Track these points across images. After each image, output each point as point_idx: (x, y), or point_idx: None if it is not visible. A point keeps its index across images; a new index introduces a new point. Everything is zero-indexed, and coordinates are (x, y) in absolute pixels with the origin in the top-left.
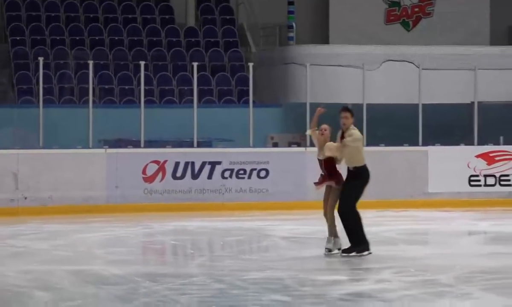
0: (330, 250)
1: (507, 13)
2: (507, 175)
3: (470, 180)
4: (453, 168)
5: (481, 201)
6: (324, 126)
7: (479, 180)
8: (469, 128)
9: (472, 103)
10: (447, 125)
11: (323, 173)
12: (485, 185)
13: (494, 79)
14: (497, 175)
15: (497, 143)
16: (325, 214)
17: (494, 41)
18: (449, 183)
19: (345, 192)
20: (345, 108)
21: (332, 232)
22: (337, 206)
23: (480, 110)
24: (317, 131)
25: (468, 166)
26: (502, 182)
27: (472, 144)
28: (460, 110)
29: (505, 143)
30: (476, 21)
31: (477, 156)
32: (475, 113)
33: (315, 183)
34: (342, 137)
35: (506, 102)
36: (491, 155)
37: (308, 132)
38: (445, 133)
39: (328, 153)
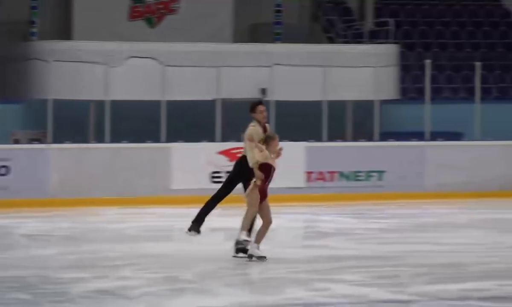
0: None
1: (250, 11)
2: None
3: (212, 177)
4: (196, 165)
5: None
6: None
7: (221, 177)
8: (212, 125)
9: (215, 100)
10: (190, 122)
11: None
12: None
13: (237, 77)
14: None
15: (239, 140)
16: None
17: (237, 39)
18: (192, 180)
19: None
20: (260, 101)
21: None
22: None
23: (223, 107)
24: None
25: (210, 163)
26: None
27: (214, 140)
28: (203, 107)
29: None
30: (220, 19)
31: (219, 153)
32: (217, 110)
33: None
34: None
35: (248, 99)
36: (233, 151)
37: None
38: (189, 130)
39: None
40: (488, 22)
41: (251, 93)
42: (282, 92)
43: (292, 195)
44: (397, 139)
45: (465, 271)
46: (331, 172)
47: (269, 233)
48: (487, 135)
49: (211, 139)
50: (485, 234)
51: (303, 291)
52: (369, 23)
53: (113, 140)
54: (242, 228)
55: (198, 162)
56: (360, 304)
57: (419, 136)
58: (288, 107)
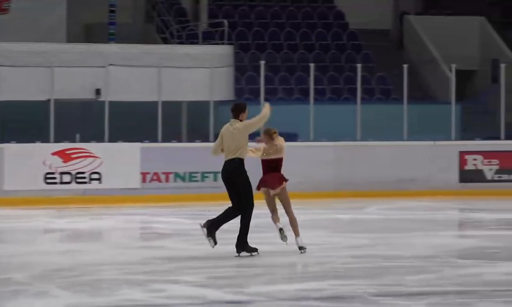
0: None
1: (84, 11)
2: (83, 173)
3: (46, 178)
4: (29, 166)
5: (58, 198)
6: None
7: (55, 178)
8: (46, 125)
9: (49, 100)
10: (23, 122)
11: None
12: (61, 182)
13: (71, 77)
14: (73, 172)
15: (74, 140)
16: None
17: (71, 39)
18: (25, 181)
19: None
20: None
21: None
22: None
23: (56, 107)
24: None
25: (44, 164)
26: (78, 180)
27: (48, 141)
28: (36, 107)
29: (81, 141)
30: (53, 18)
31: (53, 154)
32: (51, 110)
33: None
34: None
35: (82, 99)
36: (67, 152)
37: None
38: (22, 130)
39: None
40: (321, 23)
41: (85, 94)
42: (117, 93)
43: (128, 196)
44: None
45: (303, 271)
46: (167, 173)
47: (104, 234)
48: (321, 136)
49: (45, 139)
50: (322, 235)
51: (140, 292)
52: (203, 24)
53: None
54: (297, 234)
55: (31, 163)
56: (198, 305)
57: (254, 136)
58: (123, 108)
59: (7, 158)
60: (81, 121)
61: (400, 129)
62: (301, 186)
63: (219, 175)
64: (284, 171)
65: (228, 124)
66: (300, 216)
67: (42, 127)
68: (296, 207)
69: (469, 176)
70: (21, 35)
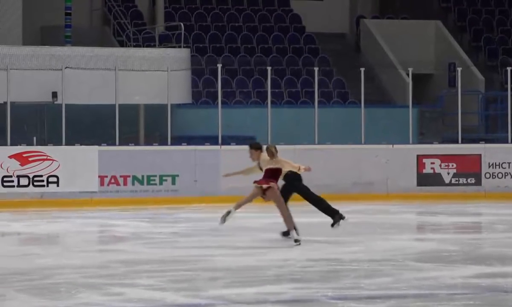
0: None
1: (39, 13)
2: (41, 176)
3: (3, 181)
4: None
5: (14, 202)
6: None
7: (12, 181)
8: (3, 128)
9: (5, 103)
10: None
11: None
12: (19, 185)
13: (27, 80)
14: (31, 175)
15: (31, 144)
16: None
17: (27, 41)
18: None
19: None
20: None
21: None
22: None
23: (13, 110)
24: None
25: (1, 167)
26: (35, 183)
27: (6, 144)
28: None
29: (38, 144)
30: (9, 20)
31: (10, 157)
32: (8, 113)
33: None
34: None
35: (38, 102)
36: (24, 155)
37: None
38: None
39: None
40: (278, 27)
41: (42, 97)
42: (74, 96)
43: (85, 200)
44: (190, 143)
45: (261, 275)
46: (124, 176)
47: (61, 238)
48: (279, 139)
49: (2, 142)
50: (279, 238)
51: (97, 296)
52: (160, 27)
53: None
54: (290, 229)
55: None
56: None
57: (212, 140)
58: (80, 111)
59: None
60: (38, 124)
61: (358, 133)
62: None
63: (177, 178)
64: None
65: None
66: (258, 219)
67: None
68: (255, 210)
69: (427, 180)
70: None
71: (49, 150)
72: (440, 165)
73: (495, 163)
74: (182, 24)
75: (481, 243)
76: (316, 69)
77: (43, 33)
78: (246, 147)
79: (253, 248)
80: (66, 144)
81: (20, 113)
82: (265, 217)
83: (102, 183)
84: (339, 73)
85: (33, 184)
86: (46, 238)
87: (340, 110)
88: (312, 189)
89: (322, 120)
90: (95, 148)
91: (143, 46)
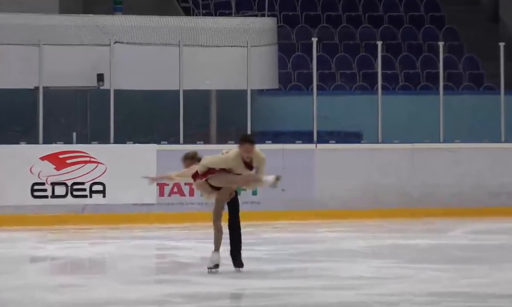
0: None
1: None
2: (82, 183)
3: (33, 190)
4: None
5: (48, 217)
6: None
7: (45, 190)
8: (33, 121)
9: (36, 88)
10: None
11: None
12: (53, 196)
13: (64, 58)
14: (69, 183)
15: (69, 142)
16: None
17: (64, 10)
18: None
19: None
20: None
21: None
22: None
23: (46, 98)
24: None
25: (31, 172)
26: (74, 192)
27: (37, 142)
28: (22, 98)
29: (79, 141)
30: None
31: (43, 158)
32: (40, 102)
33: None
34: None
35: (79, 87)
36: (61, 156)
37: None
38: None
39: None
40: None
41: (84, 80)
42: (125, 79)
43: (139, 214)
44: (276, 141)
45: None
46: (190, 184)
47: (107, 266)
48: (392, 136)
49: (32, 140)
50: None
51: None
52: None
53: None
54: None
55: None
56: None
57: (305, 136)
58: (133, 99)
59: None
60: (79, 116)
61: (496, 128)
62: (362, 200)
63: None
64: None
65: None
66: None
67: (29, 124)
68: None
69: None
70: (3, 5)
71: (92, 149)
72: None
73: None
74: None
75: None
76: (441, 44)
77: None
78: (348, 146)
79: (353, 278)
80: (115, 142)
81: (55, 101)
82: (361, 237)
83: (161, 193)
84: (471, 49)
85: (72, 194)
86: (89, 265)
87: (473, 98)
88: (436, 202)
89: (448, 111)
90: (153, 147)
91: (216, 15)
